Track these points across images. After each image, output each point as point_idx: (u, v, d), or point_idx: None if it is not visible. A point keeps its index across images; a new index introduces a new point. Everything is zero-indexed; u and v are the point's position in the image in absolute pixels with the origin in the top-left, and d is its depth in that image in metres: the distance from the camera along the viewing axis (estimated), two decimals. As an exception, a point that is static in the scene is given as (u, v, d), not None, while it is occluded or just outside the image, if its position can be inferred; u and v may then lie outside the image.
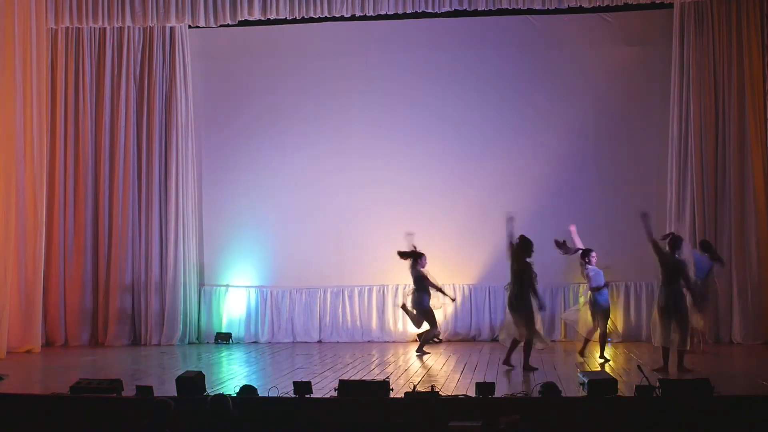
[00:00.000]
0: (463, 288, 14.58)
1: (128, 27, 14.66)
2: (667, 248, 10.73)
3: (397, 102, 14.76)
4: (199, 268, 14.93)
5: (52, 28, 14.54)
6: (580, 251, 12.33)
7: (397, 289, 14.61)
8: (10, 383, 10.02)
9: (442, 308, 13.72)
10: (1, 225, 13.18)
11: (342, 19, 14.51)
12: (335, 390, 8.61)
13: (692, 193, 13.77)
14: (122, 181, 14.63)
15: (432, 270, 14.51)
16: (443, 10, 14.25)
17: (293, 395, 8.52)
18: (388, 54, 14.85)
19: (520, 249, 11.17)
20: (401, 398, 8.50)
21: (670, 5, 14.04)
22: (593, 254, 12.27)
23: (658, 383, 8.32)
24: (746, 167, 13.63)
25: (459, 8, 14.21)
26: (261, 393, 8.67)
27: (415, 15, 14.39)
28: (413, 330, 14.50)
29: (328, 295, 14.77)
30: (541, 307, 11.23)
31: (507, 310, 11.40)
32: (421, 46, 14.77)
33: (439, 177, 14.65)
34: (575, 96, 14.49)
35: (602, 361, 11.67)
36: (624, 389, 8.72)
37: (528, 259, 11.15)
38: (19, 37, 13.44)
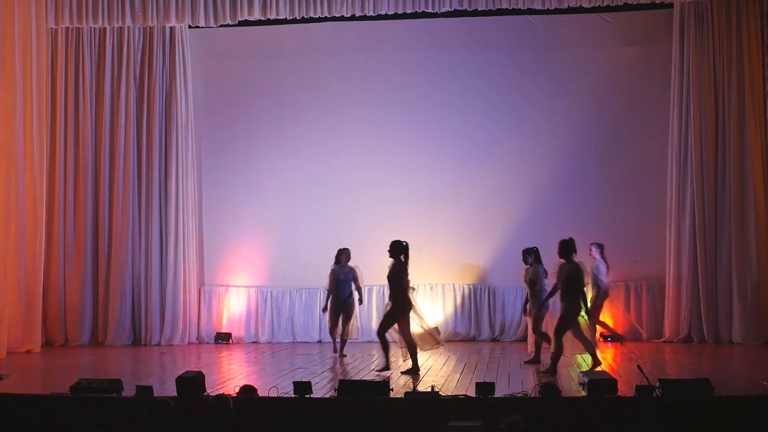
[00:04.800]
0: (463, 288, 14.60)
1: (128, 27, 14.65)
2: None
3: (396, 102, 14.76)
4: (199, 268, 14.94)
5: (52, 28, 14.54)
6: None
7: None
8: (10, 383, 10.02)
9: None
10: (1, 225, 13.18)
11: (342, 19, 14.50)
12: (335, 390, 8.61)
13: (692, 193, 13.77)
14: (122, 181, 14.63)
15: (432, 271, 14.59)
16: (443, 10, 14.24)
17: (293, 395, 8.52)
18: (388, 54, 14.85)
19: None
20: (401, 398, 8.50)
21: (670, 5, 14.04)
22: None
23: (658, 383, 8.32)
24: (746, 167, 13.62)
25: (459, 8, 14.21)
26: (261, 393, 8.67)
27: (415, 15, 14.39)
28: (413, 330, 14.50)
29: (329, 295, 14.77)
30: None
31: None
32: (420, 46, 14.77)
33: (439, 177, 14.65)
34: (575, 96, 14.49)
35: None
36: (624, 389, 8.72)
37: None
38: (19, 37, 13.44)
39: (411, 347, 10.90)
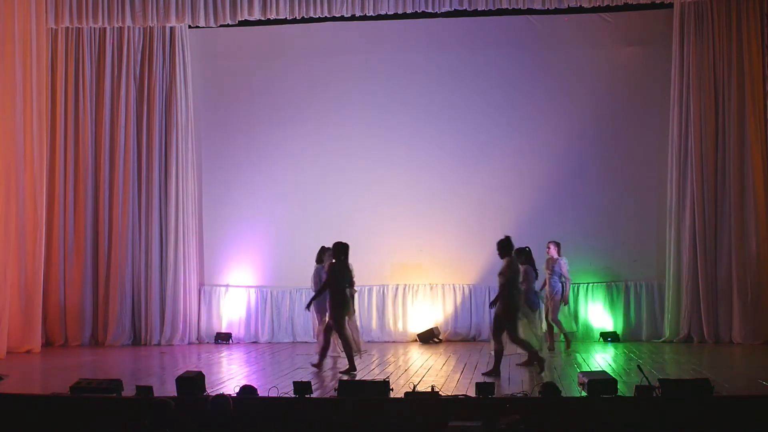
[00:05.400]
0: (463, 288, 14.61)
1: (128, 27, 14.66)
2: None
3: (397, 102, 14.76)
4: (199, 268, 14.94)
5: (52, 28, 14.55)
6: None
7: (397, 289, 14.63)
8: (10, 383, 10.02)
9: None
10: (1, 225, 13.18)
11: (342, 19, 14.51)
12: (335, 390, 8.61)
13: (692, 193, 13.77)
14: (122, 181, 14.63)
15: (432, 271, 14.57)
16: (443, 10, 14.25)
17: (293, 395, 8.53)
18: (388, 54, 14.85)
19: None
20: (401, 398, 8.50)
21: (670, 5, 14.05)
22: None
23: (658, 383, 8.32)
24: (746, 167, 13.62)
25: (459, 8, 14.22)
26: (261, 393, 8.67)
27: (415, 15, 14.40)
28: (413, 330, 14.55)
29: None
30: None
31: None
32: (421, 46, 14.77)
33: (439, 177, 14.65)
34: (575, 96, 14.49)
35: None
36: (624, 389, 8.72)
37: None
38: (19, 37, 13.44)
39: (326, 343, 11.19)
